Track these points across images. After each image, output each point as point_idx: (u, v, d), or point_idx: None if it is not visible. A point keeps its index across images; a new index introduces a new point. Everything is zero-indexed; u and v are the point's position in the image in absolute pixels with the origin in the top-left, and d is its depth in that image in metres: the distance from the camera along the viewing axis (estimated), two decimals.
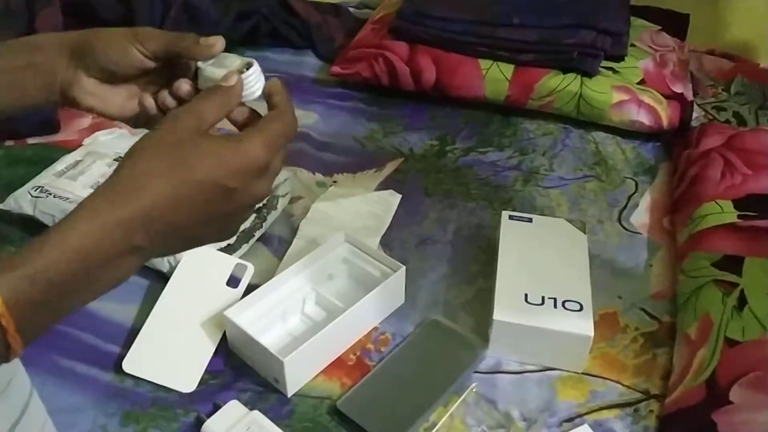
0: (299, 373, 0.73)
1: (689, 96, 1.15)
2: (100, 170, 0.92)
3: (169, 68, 0.56)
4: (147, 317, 0.78)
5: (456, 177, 1.06)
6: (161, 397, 0.73)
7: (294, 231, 0.93)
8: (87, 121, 1.15)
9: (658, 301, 0.85)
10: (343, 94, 1.24)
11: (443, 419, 0.71)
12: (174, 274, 0.81)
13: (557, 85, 1.13)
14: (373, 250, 0.83)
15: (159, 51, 0.54)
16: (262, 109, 0.51)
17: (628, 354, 0.79)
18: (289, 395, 0.73)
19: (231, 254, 0.85)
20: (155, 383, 0.73)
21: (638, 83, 1.14)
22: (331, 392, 0.74)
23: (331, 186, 1.02)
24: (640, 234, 0.96)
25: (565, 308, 0.75)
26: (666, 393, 0.73)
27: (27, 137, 1.10)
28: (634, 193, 1.03)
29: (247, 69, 0.52)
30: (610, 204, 1.01)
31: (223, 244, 0.86)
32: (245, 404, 0.71)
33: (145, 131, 0.47)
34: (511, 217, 0.87)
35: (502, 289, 0.77)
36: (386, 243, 0.92)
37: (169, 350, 0.76)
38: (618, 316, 0.83)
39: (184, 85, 0.54)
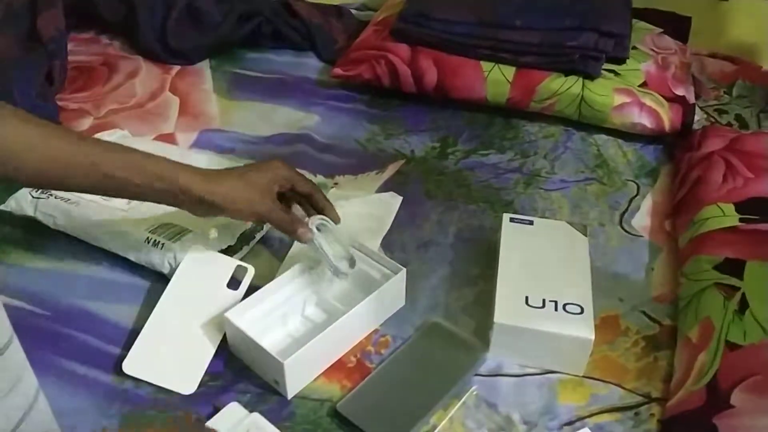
0: (299, 376, 0.73)
1: (691, 99, 1.15)
2: None
3: None
4: (147, 319, 0.78)
5: (457, 179, 1.06)
6: (161, 399, 0.73)
7: None
8: (88, 122, 1.15)
9: (659, 304, 0.85)
10: (345, 96, 1.25)
11: (443, 422, 0.71)
12: (175, 276, 0.81)
13: (559, 87, 1.13)
14: (373, 252, 0.83)
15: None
16: None
17: (629, 357, 0.78)
18: (289, 397, 0.72)
19: (232, 256, 0.85)
20: (155, 385, 0.73)
21: (640, 86, 1.14)
22: (331, 394, 0.74)
23: (332, 188, 1.02)
24: (642, 237, 0.96)
25: (566, 311, 0.75)
26: (667, 396, 0.73)
27: None
28: (635, 195, 1.03)
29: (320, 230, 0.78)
30: (611, 207, 1.01)
31: (224, 245, 0.86)
32: (245, 406, 0.71)
33: None
34: (512, 220, 0.87)
35: (502, 292, 0.77)
36: (387, 245, 0.92)
37: (170, 352, 0.76)
38: (619, 319, 0.83)
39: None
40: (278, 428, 0.68)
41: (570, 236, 0.85)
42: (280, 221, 0.77)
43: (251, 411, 0.70)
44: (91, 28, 1.41)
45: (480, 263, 0.90)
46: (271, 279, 0.80)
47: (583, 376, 0.76)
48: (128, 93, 1.23)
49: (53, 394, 0.72)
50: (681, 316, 0.80)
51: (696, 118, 1.14)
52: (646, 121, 1.11)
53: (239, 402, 0.71)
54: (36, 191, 0.90)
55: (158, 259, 0.84)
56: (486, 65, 1.16)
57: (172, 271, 0.83)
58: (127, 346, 0.76)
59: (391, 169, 1.07)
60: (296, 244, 0.90)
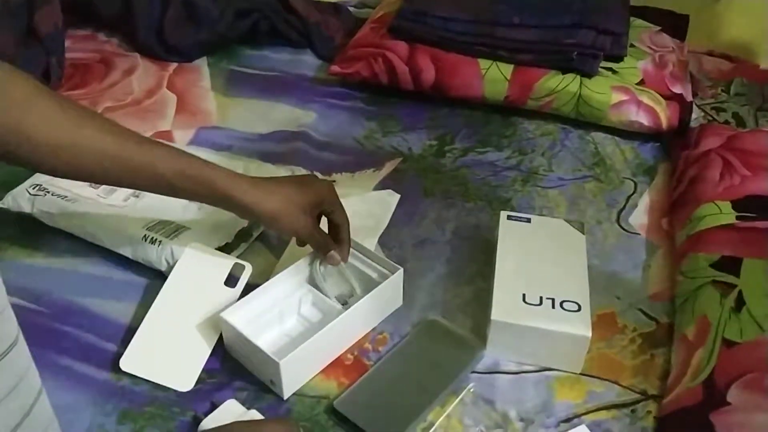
0: (295, 376, 0.73)
1: (688, 97, 1.15)
2: None
3: None
4: (144, 316, 0.78)
5: (455, 177, 1.06)
6: (158, 396, 0.72)
7: None
8: None
9: (656, 301, 0.85)
10: (342, 94, 1.24)
11: (440, 419, 0.71)
12: (172, 273, 0.81)
13: (556, 85, 1.13)
14: (371, 252, 0.83)
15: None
16: None
17: (626, 354, 0.79)
18: (285, 397, 0.72)
19: (229, 253, 0.85)
20: (152, 382, 0.73)
21: (637, 84, 1.14)
22: (329, 391, 0.74)
23: None
24: (639, 234, 0.96)
25: (563, 309, 0.75)
26: (664, 394, 0.73)
27: None
28: (632, 193, 1.03)
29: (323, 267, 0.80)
30: (608, 204, 1.01)
31: (222, 243, 0.86)
32: (242, 403, 0.70)
33: None
34: (509, 218, 0.87)
35: (500, 290, 0.77)
36: (384, 243, 0.92)
37: (167, 349, 0.76)
38: (616, 316, 0.83)
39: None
40: None
41: (567, 234, 0.85)
42: (316, 243, 0.79)
43: (249, 408, 0.70)
44: (89, 25, 1.41)
45: (477, 261, 0.90)
46: (269, 277, 0.80)
47: (580, 374, 0.76)
48: (125, 90, 1.23)
49: (50, 390, 0.71)
50: (678, 314, 0.80)
51: (693, 116, 1.14)
52: (644, 119, 1.11)
53: (236, 399, 0.71)
54: (33, 188, 0.90)
55: (155, 257, 0.84)
56: (483, 63, 1.16)
57: (170, 268, 0.82)
58: (124, 343, 0.76)
59: (388, 167, 1.07)
60: (293, 243, 0.90)
